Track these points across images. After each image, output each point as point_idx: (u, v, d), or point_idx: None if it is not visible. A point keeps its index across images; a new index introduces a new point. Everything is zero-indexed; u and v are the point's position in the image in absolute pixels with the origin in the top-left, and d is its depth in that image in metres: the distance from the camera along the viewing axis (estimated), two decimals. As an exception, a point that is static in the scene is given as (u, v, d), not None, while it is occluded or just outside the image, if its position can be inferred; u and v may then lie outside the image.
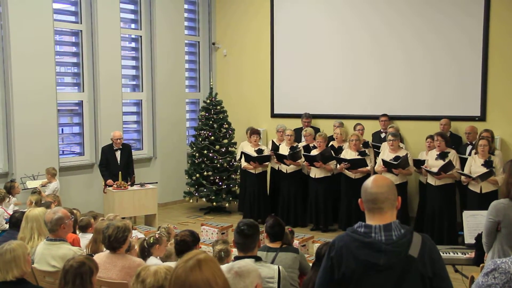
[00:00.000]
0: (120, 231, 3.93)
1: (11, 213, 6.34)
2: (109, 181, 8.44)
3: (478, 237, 4.53)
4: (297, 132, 9.49)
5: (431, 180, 7.66)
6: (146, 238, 4.44)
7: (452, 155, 7.54)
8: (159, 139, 10.63)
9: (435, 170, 7.48)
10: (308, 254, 6.33)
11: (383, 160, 7.89)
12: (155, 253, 4.39)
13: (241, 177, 9.75)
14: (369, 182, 2.59)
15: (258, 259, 3.74)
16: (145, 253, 4.36)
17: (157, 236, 4.45)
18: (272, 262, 4.16)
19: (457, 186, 7.85)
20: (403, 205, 7.90)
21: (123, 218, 6.05)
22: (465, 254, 5.09)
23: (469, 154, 7.66)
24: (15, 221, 5.25)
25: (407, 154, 7.85)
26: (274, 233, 4.41)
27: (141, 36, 10.52)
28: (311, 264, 4.43)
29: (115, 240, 3.92)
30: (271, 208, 9.38)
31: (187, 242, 3.82)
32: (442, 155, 7.55)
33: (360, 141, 8.40)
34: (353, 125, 9.23)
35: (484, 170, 7.06)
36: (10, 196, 7.37)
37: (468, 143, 8.11)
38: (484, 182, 7.10)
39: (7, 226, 6.03)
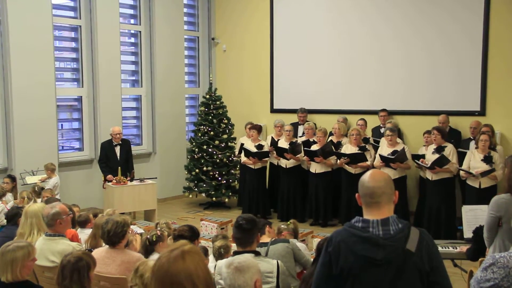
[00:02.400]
0: (119, 226, 3.93)
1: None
2: (109, 177, 8.44)
3: (476, 230, 4.52)
4: (294, 127, 9.48)
5: (429, 175, 7.66)
6: (148, 236, 4.43)
7: (449, 149, 7.52)
8: (159, 134, 10.63)
9: (429, 164, 7.48)
10: (307, 249, 6.33)
11: (380, 155, 7.90)
12: (157, 250, 4.39)
13: (241, 172, 9.75)
14: (366, 176, 2.58)
15: (257, 254, 3.74)
16: (148, 250, 4.36)
17: (159, 233, 4.44)
18: (266, 256, 4.19)
19: (458, 180, 7.85)
20: (403, 200, 7.94)
21: (123, 213, 6.05)
22: (456, 248, 5.09)
23: (472, 149, 7.64)
24: (10, 216, 5.25)
25: (404, 148, 7.85)
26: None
27: (140, 32, 10.50)
28: (309, 257, 4.47)
29: (114, 235, 3.92)
30: (270, 203, 9.40)
31: (185, 237, 3.82)
32: (439, 149, 7.53)
33: (360, 136, 8.39)
34: (353, 120, 9.23)
35: (483, 165, 7.05)
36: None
37: (472, 138, 8.07)
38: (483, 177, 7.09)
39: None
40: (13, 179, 7.75)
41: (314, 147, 8.60)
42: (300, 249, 4.44)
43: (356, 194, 2.61)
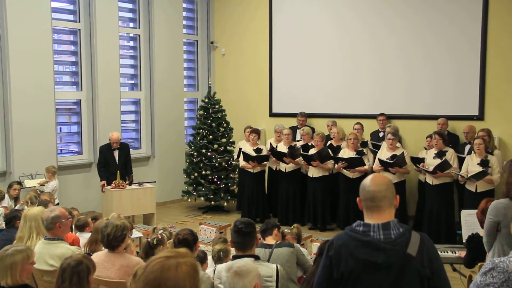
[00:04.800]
0: (118, 229, 3.93)
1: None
2: (103, 183, 8.44)
3: (470, 238, 4.53)
4: (293, 131, 9.48)
5: (429, 180, 7.67)
6: (149, 239, 4.43)
7: (450, 154, 7.54)
8: (157, 138, 10.63)
9: (431, 169, 7.49)
10: (306, 252, 6.33)
11: (379, 159, 7.91)
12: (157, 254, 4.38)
13: (240, 176, 9.75)
14: (367, 180, 2.59)
15: (257, 258, 3.74)
16: (148, 254, 4.35)
17: (159, 237, 4.45)
18: (269, 259, 4.21)
19: (455, 185, 7.86)
20: (401, 204, 7.94)
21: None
22: (455, 253, 5.09)
23: (468, 153, 7.65)
24: (9, 219, 5.25)
25: (403, 153, 7.86)
26: (261, 229, 4.62)
27: (139, 35, 10.51)
28: (311, 262, 4.48)
29: (114, 239, 3.92)
30: (269, 207, 9.40)
31: (188, 241, 3.84)
32: (440, 154, 7.55)
33: (358, 140, 8.41)
34: (351, 124, 9.23)
35: (480, 169, 7.06)
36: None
37: (467, 142, 8.11)
38: (480, 181, 7.09)
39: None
40: (20, 184, 7.79)
41: (312, 151, 8.61)
42: (303, 254, 4.47)
43: (357, 198, 2.61)
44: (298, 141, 9.34)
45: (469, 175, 7.12)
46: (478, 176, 7.04)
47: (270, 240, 4.55)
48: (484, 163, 7.09)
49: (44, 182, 8.15)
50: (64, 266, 3.27)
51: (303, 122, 9.70)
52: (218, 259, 4.48)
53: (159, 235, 4.45)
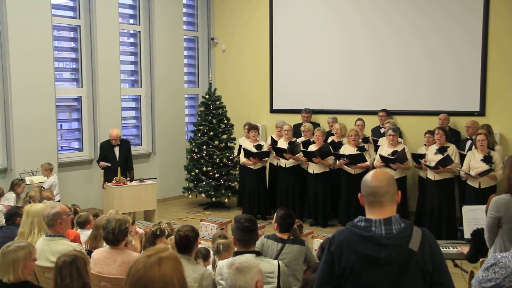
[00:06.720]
0: (122, 223, 3.94)
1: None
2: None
3: (474, 233, 4.52)
4: (297, 128, 9.49)
5: (430, 175, 7.66)
6: (152, 229, 4.45)
7: (452, 149, 7.53)
8: (158, 134, 10.62)
9: (433, 164, 7.49)
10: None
11: (380, 155, 7.90)
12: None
13: (240, 172, 9.75)
14: (369, 176, 2.58)
15: (258, 254, 3.74)
16: (151, 244, 4.38)
17: (162, 227, 4.48)
18: (279, 253, 4.21)
19: (456, 181, 7.86)
20: (402, 200, 7.89)
21: (123, 213, 6.05)
22: (456, 249, 5.08)
23: (469, 149, 7.64)
24: (9, 216, 5.25)
25: (404, 149, 7.85)
26: (285, 224, 4.48)
27: (139, 32, 10.50)
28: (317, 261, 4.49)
29: (119, 233, 3.92)
30: (271, 204, 9.39)
31: (189, 237, 3.84)
32: (442, 150, 7.54)
33: (359, 136, 8.40)
34: (352, 120, 9.22)
35: (483, 165, 7.05)
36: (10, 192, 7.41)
37: (468, 137, 8.09)
38: (483, 177, 7.08)
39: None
40: (23, 181, 7.80)
41: (312, 147, 8.60)
42: (312, 252, 4.49)
43: (359, 194, 2.60)
44: (301, 137, 9.32)
45: (472, 172, 7.08)
46: (484, 174, 7.03)
47: (285, 235, 4.52)
48: (487, 159, 7.07)
49: (45, 175, 8.14)
50: (60, 264, 3.26)
51: (307, 119, 9.67)
52: (217, 253, 4.51)
53: (161, 226, 4.48)
